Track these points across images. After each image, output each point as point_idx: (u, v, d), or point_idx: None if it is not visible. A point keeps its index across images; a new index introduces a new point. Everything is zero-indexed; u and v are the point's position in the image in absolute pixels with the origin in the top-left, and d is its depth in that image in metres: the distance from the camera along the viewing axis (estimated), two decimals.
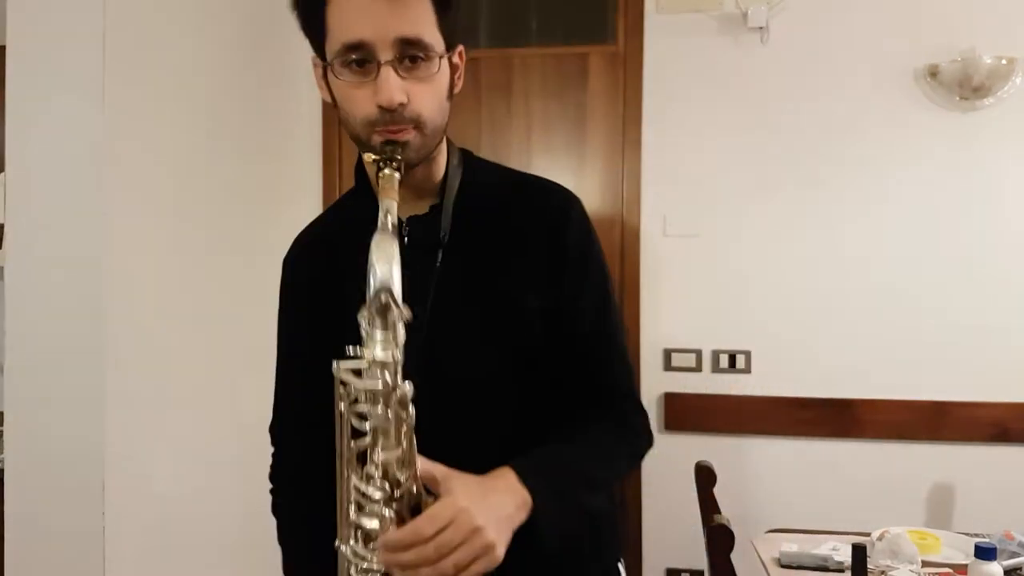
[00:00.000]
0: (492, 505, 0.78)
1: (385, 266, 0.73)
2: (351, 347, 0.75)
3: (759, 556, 1.79)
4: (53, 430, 1.58)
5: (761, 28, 2.39)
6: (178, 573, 1.89)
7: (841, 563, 1.68)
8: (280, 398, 1.08)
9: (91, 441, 1.58)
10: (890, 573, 1.59)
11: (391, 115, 0.83)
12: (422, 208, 0.95)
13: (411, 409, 0.77)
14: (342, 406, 0.78)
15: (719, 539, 1.65)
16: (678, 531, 2.43)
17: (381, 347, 0.73)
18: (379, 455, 0.76)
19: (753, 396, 2.44)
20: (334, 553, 0.82)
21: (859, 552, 1.47)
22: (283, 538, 1.06)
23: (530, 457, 0.86)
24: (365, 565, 0.79)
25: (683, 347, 2.48)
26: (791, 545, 1.77)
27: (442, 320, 0.91)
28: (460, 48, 0.93)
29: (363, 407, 0.75)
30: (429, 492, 0.80)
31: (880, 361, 2.39)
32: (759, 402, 2.43)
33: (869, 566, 1.54)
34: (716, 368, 2.46)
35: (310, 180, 2.63)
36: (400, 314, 0.73)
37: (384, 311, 0.73)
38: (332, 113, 2.59)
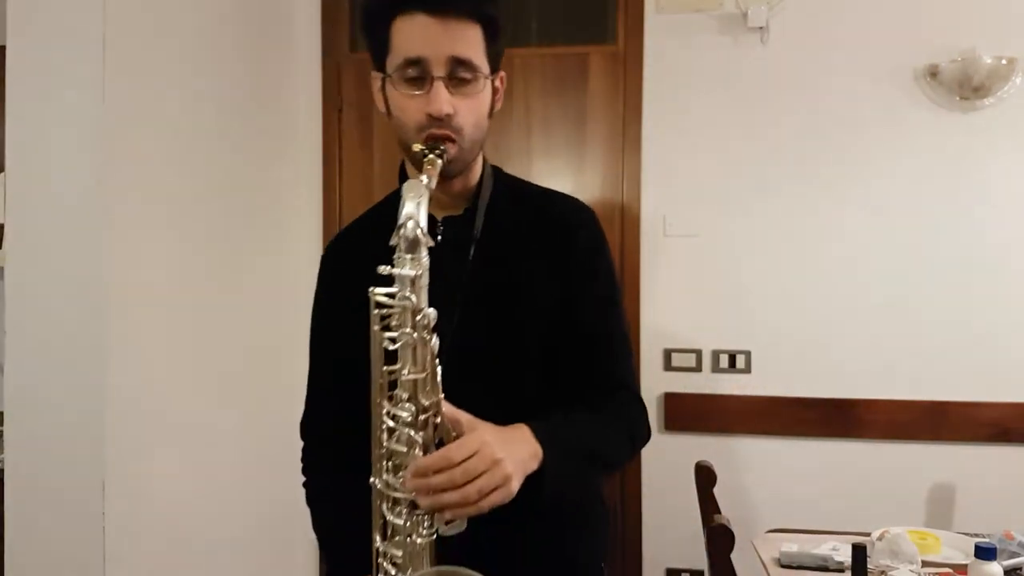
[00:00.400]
0: (511, 447, 0.87)
1: (412, 202, 0.85)
2: (384, 267, 0.86)
3: (759, 556, 1.79)
4: (53, 430, 1.58)
5: (761, 28, 2.40)
6: (178, 573, 1.89)
7: (841, 563, 1.68)
8: (312, 391, 1.17)
9: (91, 441, 1.58)
10: (890, 573, 1.59)
11: (439, 124, 0.96)
12: (457, 211, 1.08)
13: (434, 338, 0.87)
14: (375, 328, 0.88)
15: (719, 539, 1.65)
16: (678, 531, 2.43)
17: (409, 266, 0.85)
18: (407, 375, 0.86)
19: (753, 396, 2.44)
20: (368, 533, 0.92)
21: (859, 552, 1.47)
22: (318, 524, 1.13)
23: (544, 421, 0.95)
24: (396, 495, 0.88)
25: (683, 347, 2.48)
26: (791, 545, 1.77)
27: (472, 307, 1.02)
28: (502, 74, 1.06)
29: (393, 328, 0.86)
30: (454, 434, 0.88)
31: (880, 361, 2.39)
32: (759, 402, 2.43)
33: (869, 566, 1.54)
34: (716, 368, 2.46)
35: (310, 180, 2.63)
36: (424, 241, 0.85)
37: (412, 242, 0.84)
38: (332, 113, 2.61)
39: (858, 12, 2.39)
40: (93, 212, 1.57)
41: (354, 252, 1.11)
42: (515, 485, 0.86)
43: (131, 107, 1.66)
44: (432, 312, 0.86)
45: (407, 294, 0.85)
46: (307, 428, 1.18)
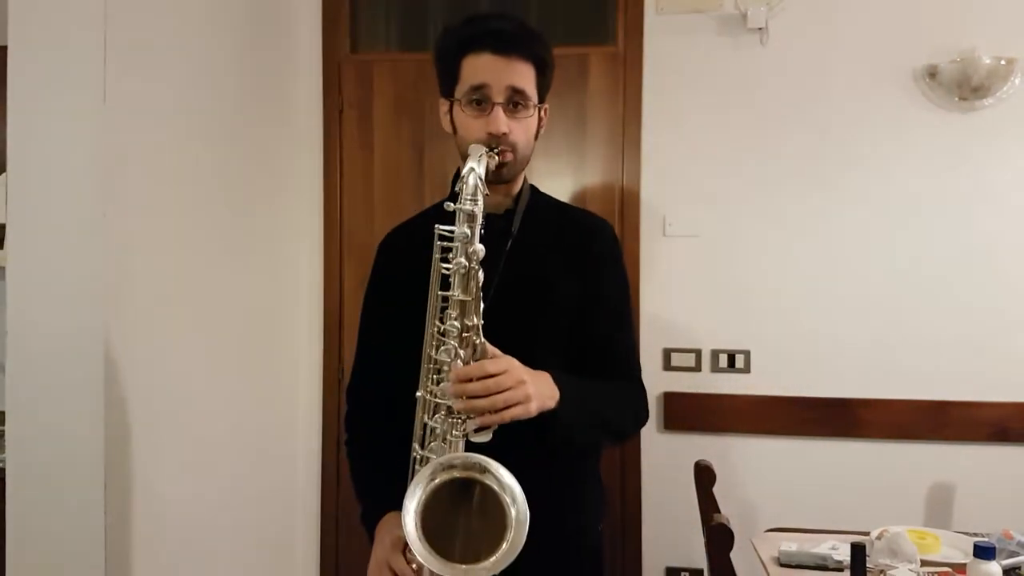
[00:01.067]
0: (535, 378, 1.08)
1: (475, 159, 1.09)
2: (449, 203, 1.07)
3: (758, 555, 1.80)
4: (54, 430, 1.58)
5: (760, 29, 2.40)
6: (179, 572, 1.90)
7: (840, 562, 1.68)
8: (360, 363, 1.37)
9: (92, 441, 1.59)
10: (889, 572, 1.60)
11: (497, 140, 1.18)
12: (499, 212, 1.28)
13: (480, 271, 1.06)
14: (436, 256, 1.10)
15: (719, 538, 1.66)
16: (678, 530, 2.44)
17: (469, 205, 1.06)
18: (457, 295, 1.05)
19: (752, 396, 2.44)
20: (400, 461, 1.13)
21: (858, 551, 1.47)
22: (355, 475, 1.33)
23: (565, 374, 1.16)
24: (437, 401, 1.07)
25: (683, 347, 2.48)
26: (790, 544, 1.77)
27: (505, 290, 1.22)
28: (546, 106, 1.28)
29: (450, 259, 1.06)
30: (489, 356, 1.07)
31: (879, 361, 2.39)
32: (758, 401, 2.44)
33: (868, 565, 1.54)
34: (716, 368, 2.46)
35: (311, 180, 2.63)
36: (482, 188, 1.07)
37: (473, 187, 1.06)
38: (333, 114, 2.61)
39: (857, 13, 2.39)
40: (94, 212, 1.57)
41: (406, 244, 1.32)
42: (534, 407, 1.05)
43: (132, 107, 1.67)
44: (481, 248, 1.05)
45: (464, 229, 1.05)
46: (352, 395, 1.39)
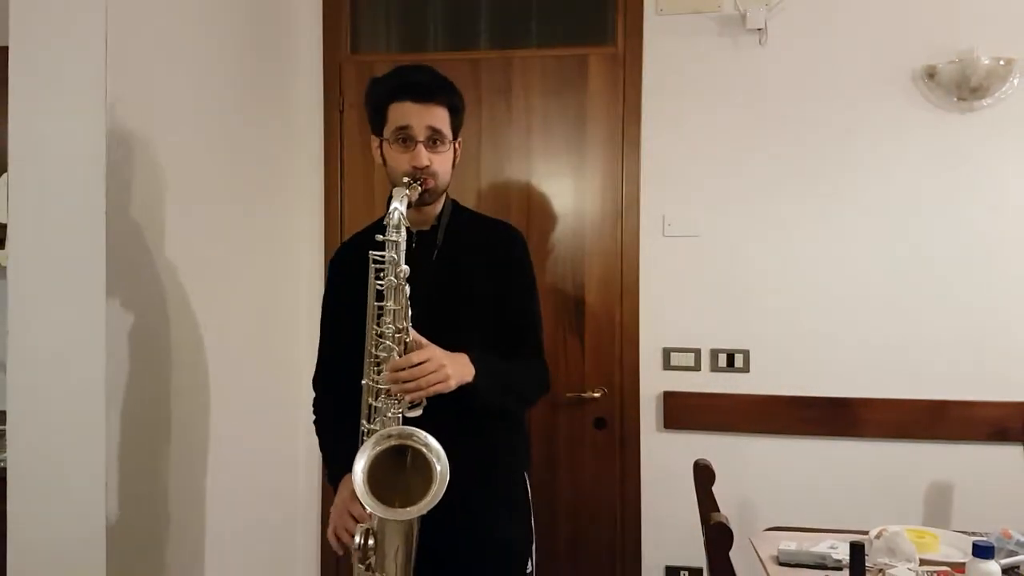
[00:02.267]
0: (453, 360, 1.40)
1: (398, 199, 1.39)
2: (379, 235, 1.37)
3: (758, 554, 1.80)
4: (55, 429, 1.58)
5: (760, 29, 2.41)
6: (179, 572, 1.90)
7: (839, 561, 1.69)
8: (321, 357, 1.69)
9: (93, 440, 1.59)
10: (888, 571, 1.60)
11: (420, 172, 1.46)
12: (426, 227, 1.58)
13: (407, 285, 1.36)
14: (371, 276, 1.40)
15: (718, 537, 1.66)
16: (677, 529, 2.44)
17: (395, 233, 1.36)
18: (389, 305, 1.36)
19: (752, 395, 2.45)
20: (354, 435, 1.43)
21: (857, 550, 1.48)
22: (322, 444, 1.65)
23: (482, 353, 1.47)
24: (378, 387, 1.38)
25: (682, 346, 2.48)
26: (789, 543, 1.78)
27: (435, 291, 1.51)
28: (460, 139, 1.59)
29: (382, 277, 1.37)
30: (418, 346, 1.38)
31: (878, 360, 2.40)
32: (757, 401, 2.44)
33: (867, 564, 1.54)
34: (715, 367, 2.47)
35: (311, 180, 2.64)
36: (404, 222, 1.37)
37: (396, 223, 1.36)
38: (333, 114, 2.62)
39: (856, 13, 2.39)
40: (95, 212, 1.58)
41: (352, 257, 1.57)
42: (453, 383, 1.37)
43: (133, 108, 1.67)
44: (406, 268, 1.36)
45: (392, 254, 1.36)
46: (316, 385, 1.70)
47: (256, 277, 2.31)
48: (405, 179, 1.44)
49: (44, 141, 1.57)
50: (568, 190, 2.54)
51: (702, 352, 2.48)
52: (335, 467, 1.57)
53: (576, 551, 2.54)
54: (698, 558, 2.23)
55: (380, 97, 1.52)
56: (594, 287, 2.52)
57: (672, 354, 2.49)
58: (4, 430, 1.62)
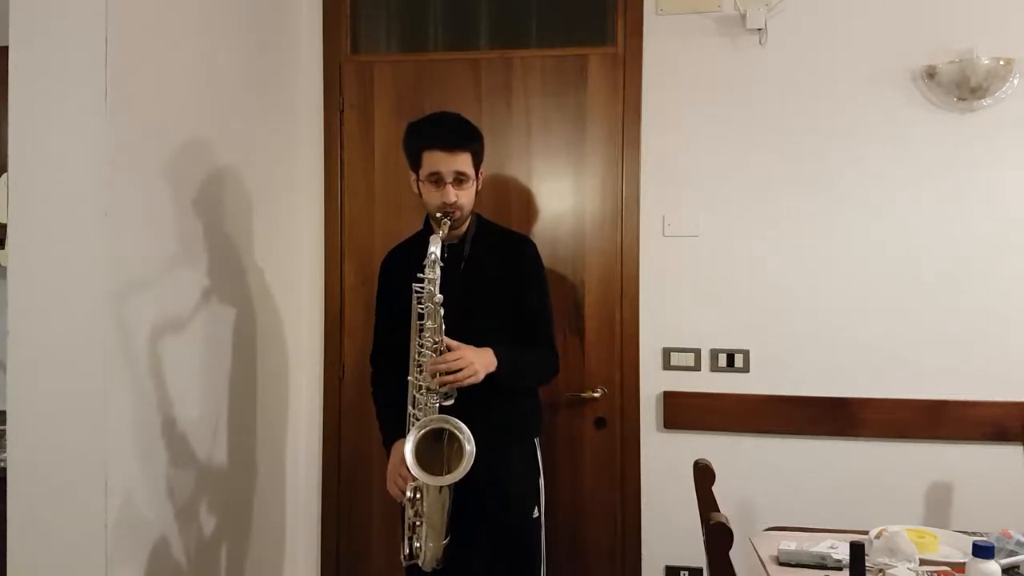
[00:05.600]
0: (480, 355, 1.78)
1: (434, 245, 1.73)
2: (419, 274, 1.75)
3: (757, 554, 1.80)
4: (56, 429, 1.59)
5: (759, 29, 2.41)
6: (179, 572, 1.90)
7: (839, 561, 1.68)
8: (376, 338, 2.09)
9: (93, 440, 1.59)
10: (888, 571, 1.60)
11: (449, 207, 1.83)
12: (456, 241, 1.94)
13: (441, 309, 1.74)
14: (414, 302, 1.79)
15: (718, 537, 1.66)
16: (677, 529, 2.44)
17: (431, 272, 1.73)
18: (428, 325, 1.76)
19: (751, 395, 2.45)
20: (402, 408, 1.84)
21: (857, 550, 1.48)
22: (378, 410, 2.04)
23: (503, 347, 1.85)
24: (420, 383, 1.78)
25: (682, 346, 2.49)
26: (789, 543, 1.78)
27: (463, 294, 1.86)
28: (482, 171, 1.95)
29: (422, 302, 1.76)
30: (450, 350, 1.77)
31: (878, 360, 2.40)
32: (757, 401, 2.44)
33: (867, 564, 1.54)
34: (715, 367, 2.47)
35: (311, 180, 2.64)
36: (438, 263, 1.73)
37: (432, 262, 1.72)
38: (333, 114, 2.62)
39: (856, 13, 2.40)
40: (95, 212, 1.58)
41: (400, 260, 1.99)
42: (481, 375, 1.76)
43: (133, 108, 1.67)
44: (440, 296, 1.73)
45: (429, 287, 1.74)
46: (373, 362, 2.09)
47: (256, 276, 2.31)
48: (438, 214, 1.82)
49: (44, 141, 1.57)
50: (568, 190, 2.54)
51: (702, 352, 2.48)
52: (387, 433, 1.95)
53: (576, 551, 2.54)
54: (698, 558, 2.23)
55: (415, 143, 1.88)
56: (594, 287, 2.52)
57: (672, 354, 2.49)
58: (4, 430, 1.62)
